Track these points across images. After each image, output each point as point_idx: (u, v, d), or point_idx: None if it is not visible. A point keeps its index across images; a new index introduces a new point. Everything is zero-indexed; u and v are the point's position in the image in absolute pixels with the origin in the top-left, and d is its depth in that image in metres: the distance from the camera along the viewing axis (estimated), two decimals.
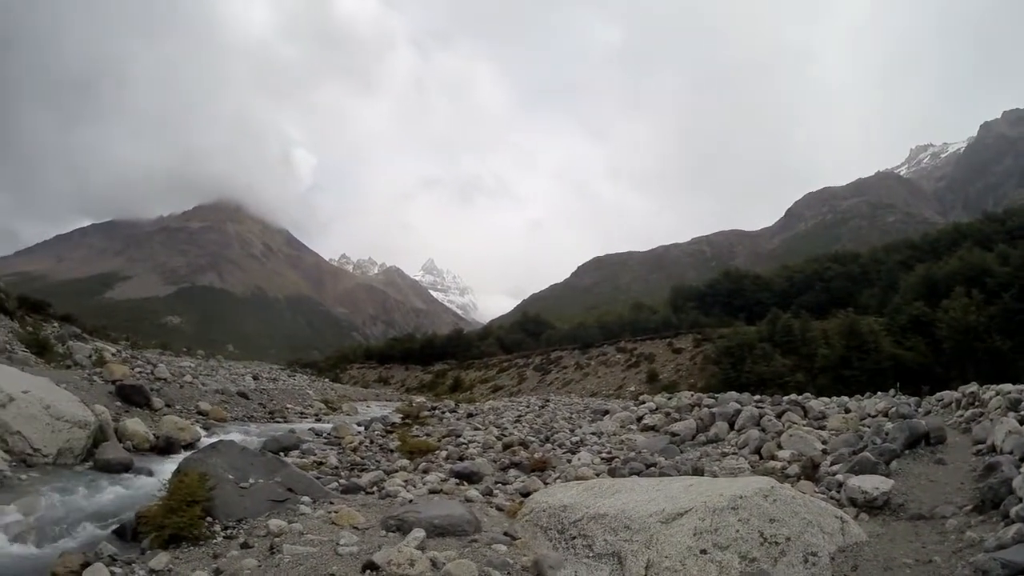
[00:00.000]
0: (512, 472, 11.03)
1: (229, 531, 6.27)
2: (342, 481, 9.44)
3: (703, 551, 5.58)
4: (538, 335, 75.05)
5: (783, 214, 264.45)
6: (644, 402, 20.01)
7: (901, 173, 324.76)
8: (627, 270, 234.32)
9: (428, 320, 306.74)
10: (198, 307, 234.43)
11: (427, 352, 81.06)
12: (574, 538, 6.25)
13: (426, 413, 20.35)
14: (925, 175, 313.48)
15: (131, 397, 16.12)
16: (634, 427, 16.28)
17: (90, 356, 21.56)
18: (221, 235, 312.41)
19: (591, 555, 5.97)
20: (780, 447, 11.72)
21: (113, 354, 23.08)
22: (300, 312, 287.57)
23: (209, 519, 6.35)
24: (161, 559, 5.60)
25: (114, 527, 6.82)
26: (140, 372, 20.04)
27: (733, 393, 17.41)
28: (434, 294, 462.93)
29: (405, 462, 11.80)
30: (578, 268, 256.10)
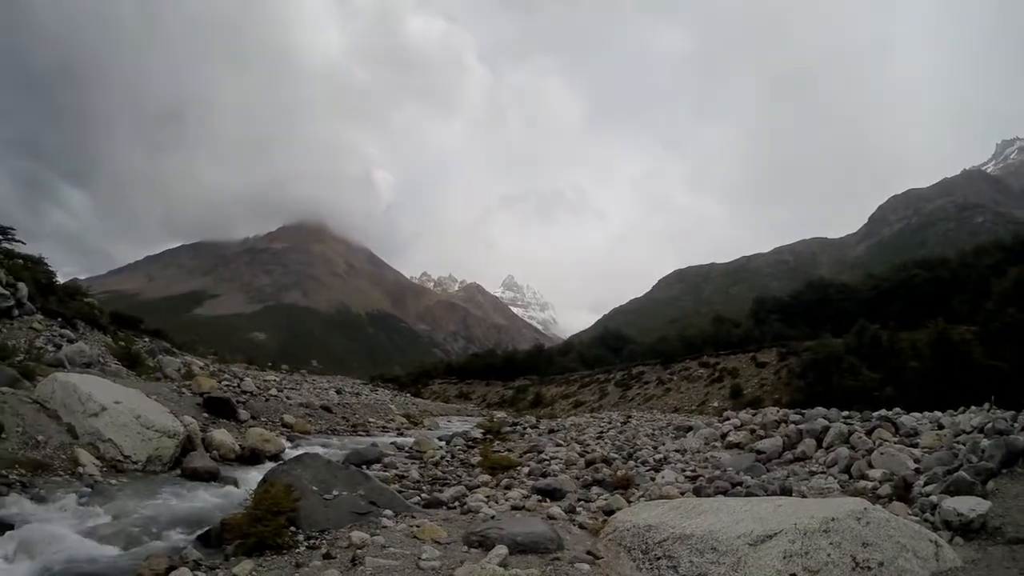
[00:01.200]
0: (595, 490, 10.78)
1: (312, 541, 6.32)
2: (424, 495, 9.43)
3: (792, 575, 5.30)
4: (619, 350, 74.27)
5: (866, 220, 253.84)
6: (728, 418, 19.39)
7: (988, 170, 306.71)
8: (708, 282, 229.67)
9: (508, 336, 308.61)
10: (283, 323, 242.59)
11: (508, 367, 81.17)
12: (659, 559, 6.02)
13: (507, 428, 20.26)
14: (1013, 171, 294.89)
15: (218, 409, 16.67)
16: (718, 444, 15.78)
17: (179, 369, 22.45)
18: (305, 255, 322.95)
19: None
20: (871, 466, 11.11)
21: (201, 368, 23.97)
22: (382, 328, 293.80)
23: (293, 529, 6.45)
24: (244, 566, 5.67)
25: (199, 533, 6.96)
26: (227, 385, 20.69)
27: (820, 409, 16.64)
28: (514, 310, 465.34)
29: (487, 477, 11.70)
30: (659, 281, 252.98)
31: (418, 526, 6.82)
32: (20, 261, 23.81)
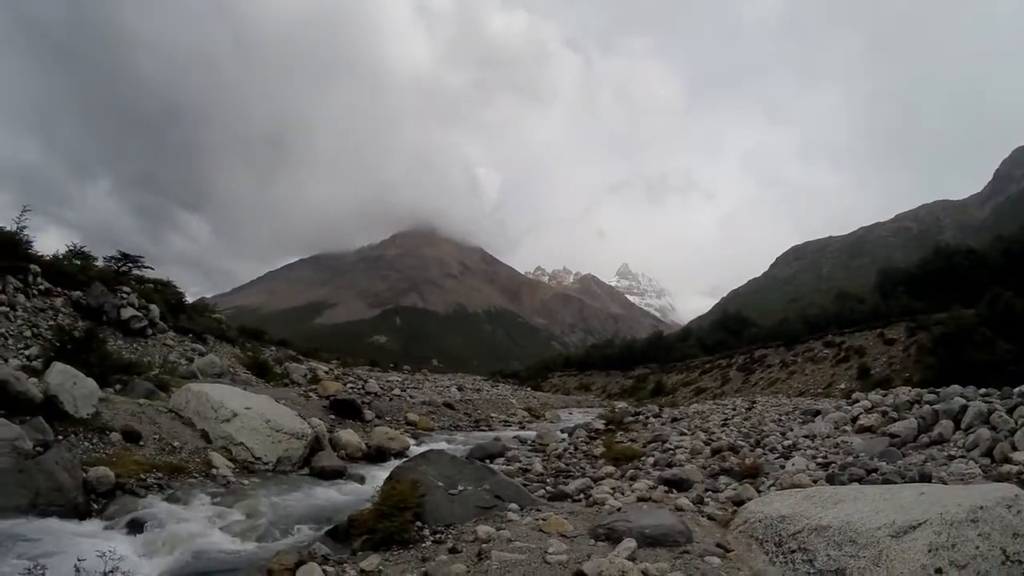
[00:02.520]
0: (722, 479, 10.34)
1: (438, 536, 6.37)
2: (548, 488, 9.40)
3: (938, 570, 4.83)
4: (739, 333, 71.80)
5: (991, 176, 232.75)
6: (857, 400, 18.25)
7: None
8: (827, 257, 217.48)
9: (626, 325, 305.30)
10: (402, 326, 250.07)
11: (627, 357, 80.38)
12: (793, 552, 5.65)
13: (629, 418, 19.96)
14: None
15: (344, 410, 17.35)
16: (848, 428, 14.85)
17: (305, 375, 23.46)
18: (418, 259, 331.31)
19: (812, 571, 5.34)
20: (1015, 448, 10.11)
21: (326, 372, 24.96)
22: (499, 325, 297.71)
23: (419, 524, 6.53)
24: (372, 561, 5.76)
25: (327, 529, 7.16)
26: (352, 387, 21.44)
27: (956, 387, 15.28)
28: (631, 299, 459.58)
29: (611, 469, 11.50)
30: (776, 259, 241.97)
31: (544, 519, 6.74)
32: (151, 285, 25.54)
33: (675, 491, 9.27)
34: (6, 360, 14.05)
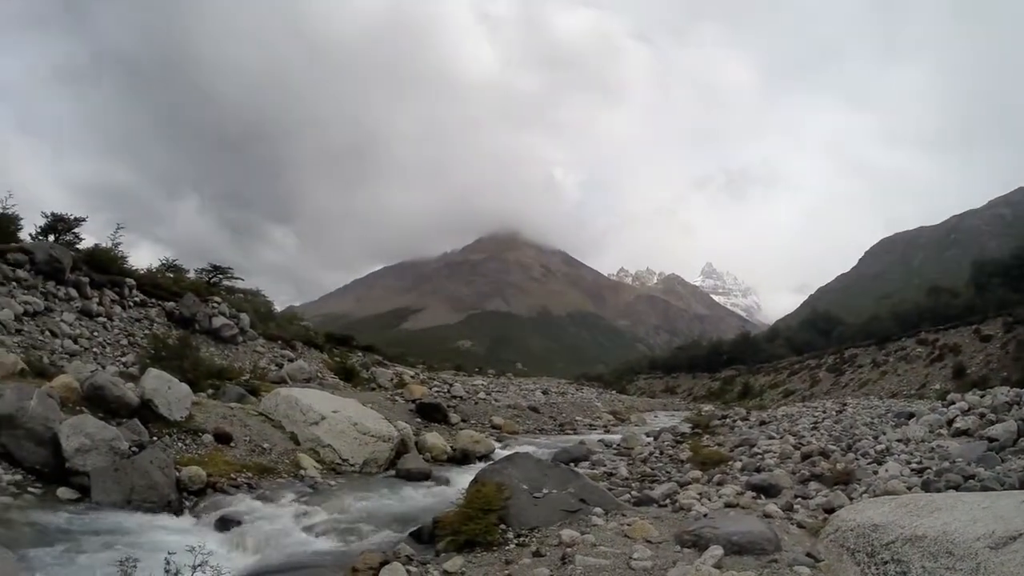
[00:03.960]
0: (812, 485, 9.91)
1: (522, 539, 6.34)
2: (634, 493, 9.27)
3: None
4: (828, 333, 69.29)
5: None
6: (953, 402, 17.23)
7: None
8: (918, 249, 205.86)
9: (712, 326, 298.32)
10: (487, 330, 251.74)
11: (713, 359, 78.67)
12: (886, 563, 5.37)
13: (716, 422, 19.49)
14: None
15: (430, 414, 17.58)
16: (944, 432, 14.00)
17: (391, 379, 23.87)
18: (501, 263, 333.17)
19: None
20: None
21: (411, 377, 25.33)
22: (583, 327, 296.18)
23: (503, 527, 6.52)
24: (455, 562, 5.78)
25: (412, 530, 7.22)
26: (438, 391, 21.70)
27: None
28: (716, 298, 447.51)
29: (697, 473, 11.22)
30: (864, 254, 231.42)
31: (629, 524, 6.61)
32: (241, 295, 26.65)
33: (763, 497, 8.97)
34: (104, 367, 14.85)
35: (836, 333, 67.12)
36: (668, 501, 8.63)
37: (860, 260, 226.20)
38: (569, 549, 5.85)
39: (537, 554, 5.85)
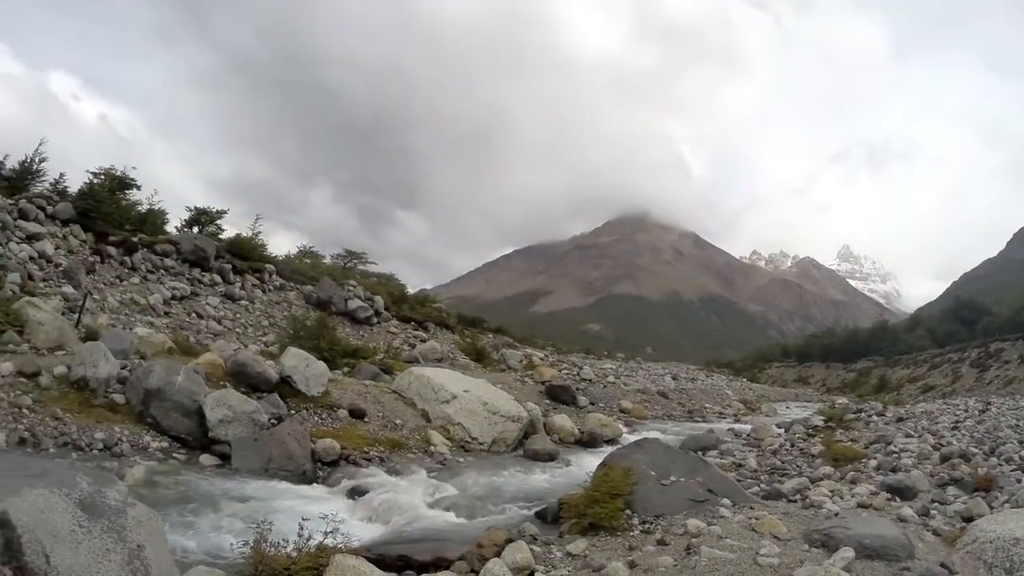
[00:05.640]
0: (951, 490, 9.11)
1: (646, 526, 6.22)
2: (762, 486, 8.90)
3: None
4: (973, 324, 64.21)
5: None
6: None
7: None
8: None
9: (848, 312, 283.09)
10: (616, 314, 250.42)
11: (848, 348, 75.11)
12: None
13: (851, 416, 18.40)
14: None
15: (559, 396, 17.59)
16: None
17: (521, 361, 24.03)
18: (631, 245, 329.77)
19: None
20: None
21: (541, 359, 25.43)
22: (714, 312, 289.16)
23: (628, 512, 6.42)
24: (579, 544, 5.75)
25: (536, 510, 7.24)
26: (567, 374, 21.69)
27: None
28: (852, 283, 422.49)
29: (829, 469, 10.61)
30: (1013, 236, 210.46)
31: (757, 518, 6.31)
32: (375, 278, 27.71)
33: (898, 499, 8.35)
34: (246, 345, 15.92)
35: (981, 324, 62.54)
36: (798, 497, 8.22)
37: (1008, 243, 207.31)
38: (695, 539, 5.67)
39: (661, 542, 5.71)
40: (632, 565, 5.22)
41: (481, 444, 11.89)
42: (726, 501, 6.86)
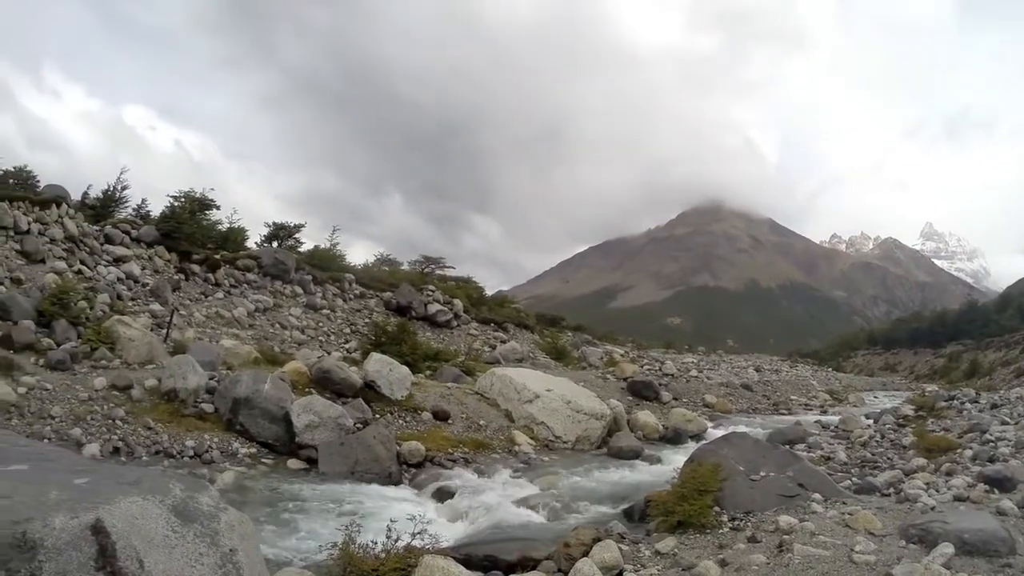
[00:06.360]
0: None
1: (736, 523, 6.04)
2: (854, 479, 8.51)
3: None
4: None
5: None
6: None
7: None
8: None
9: (934, 294, 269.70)
10: (695, 306, 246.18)
11: (936, 332, 71.59)
12: None
13: (942, 404, 17.54)
14: None
15: (641, 392, 17.40)
16: None
17: (601, 358, 23.89)
18: (707, 236, 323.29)
19: None
20: None
21: (621, 355, 25.23)
22: (795, 300, 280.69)
23: (717, 509, 6.24)
24: (668, 543, 5.60)
25: (622, 508, 7.15)
26: (649, 369, 21.44)
27: None
28: (938, 263, 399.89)
29: (922, 461, 10.09)
30: None
31: (850, 513, 6.03)
32: (453, 282, 27.99)
33: (996, 491, 7.84)
34: (329, 353, 16.30)
35: None
36: (891, 490, 7.82)
37: None
38: (787, 536, 5.44)
39: (752, 539, 5.51)
40: (723, 564, 5.05)
41: (565, 443, 11.85)
42: (817, 496, 6.61)
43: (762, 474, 6.82)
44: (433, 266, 29.60)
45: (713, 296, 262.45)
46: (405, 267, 28.41)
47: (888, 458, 10.73)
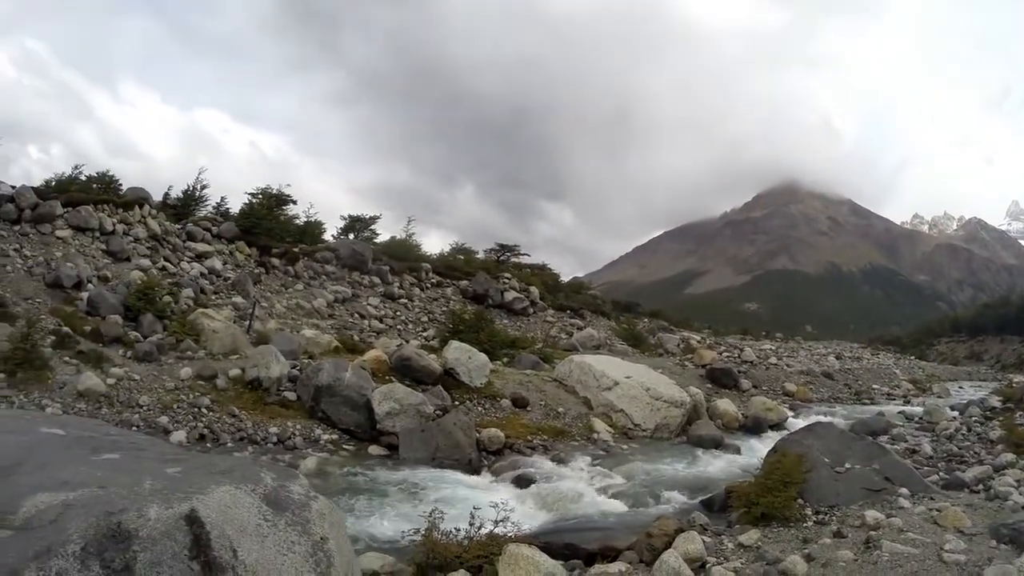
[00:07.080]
0: None
1: (820, 516, 5.85)
2: (941, 474, 8.17)
3: None
4: None
5: None
6: None
7: None
8: None
9: (1023, 278, 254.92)
10: (772, 291, 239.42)
11: None
12: None
13: None
14: None
15: (720, 379, 17.10)
16: None
17: (678, 344, 23.56)
18: (784, 218, 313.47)
19: None
20: None
21: (698, 342, 24.78)
22: (876, 284, 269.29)
23: (800, 501, 6.05)
24: (751, 535, 5.46)
25: (702, 499, 7.01)
26: (727, 356, 20.99)
27: None
28: None
29: (1011, 456, 9.53)
30: None
31: (939, 510, 5.75)
32: (528, 270, 28.07)
33: None
34: (408, 341, 16.55)
35: None
36: (980, 487, 7.43)
37: None
38: (873, 532, 5.24)
39: (838, 535, 5.32)
40: (809, 559, 4.90)
41: (644, 431, 11.73)
42: (904, 491, 6.34)
43: (847, 466, 6.59)
44: (508, 254, 29.72)
45: (791, 280, 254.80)
46: (480, 255, 28.60)
47: (975, 452, 10.26)
